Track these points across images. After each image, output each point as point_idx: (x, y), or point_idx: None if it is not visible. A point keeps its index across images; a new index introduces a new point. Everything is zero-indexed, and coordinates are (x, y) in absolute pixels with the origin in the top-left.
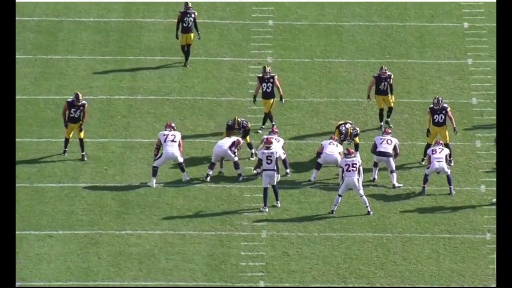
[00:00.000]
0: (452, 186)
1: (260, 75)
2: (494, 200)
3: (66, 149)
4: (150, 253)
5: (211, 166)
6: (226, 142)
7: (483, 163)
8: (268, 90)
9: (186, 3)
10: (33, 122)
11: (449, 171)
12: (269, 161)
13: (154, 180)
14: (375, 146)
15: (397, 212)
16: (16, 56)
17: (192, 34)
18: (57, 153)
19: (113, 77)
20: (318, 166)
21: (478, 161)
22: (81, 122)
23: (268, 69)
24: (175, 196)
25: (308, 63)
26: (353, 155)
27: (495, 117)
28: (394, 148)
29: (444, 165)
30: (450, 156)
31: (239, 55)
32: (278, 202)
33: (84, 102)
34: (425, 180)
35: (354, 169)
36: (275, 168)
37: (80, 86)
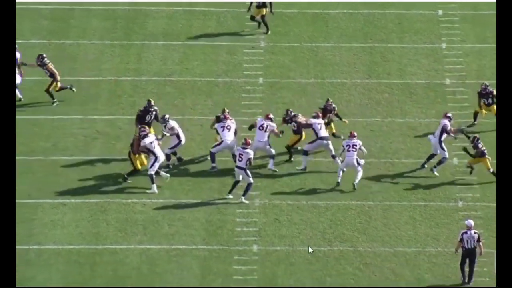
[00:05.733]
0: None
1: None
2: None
3: None
4: (154, 220)
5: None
6: (231, 138)
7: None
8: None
9: None
10: (47, 101)
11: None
12: (240, 159)
13: (155, 186)
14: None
15: (377, 182)
16: (32, 41)
17: (264, 9)
18: (70, 129)
19: (120, 60)
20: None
21: (450, 138)
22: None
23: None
24: (177, 169)
25: (297, 47)
26: (355, 138)
27: (467, 96)
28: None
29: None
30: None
31: (235, 40)
32: (243, 198)
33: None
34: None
35: (354, 150)
36: (245, 167)
37: (90, 69)
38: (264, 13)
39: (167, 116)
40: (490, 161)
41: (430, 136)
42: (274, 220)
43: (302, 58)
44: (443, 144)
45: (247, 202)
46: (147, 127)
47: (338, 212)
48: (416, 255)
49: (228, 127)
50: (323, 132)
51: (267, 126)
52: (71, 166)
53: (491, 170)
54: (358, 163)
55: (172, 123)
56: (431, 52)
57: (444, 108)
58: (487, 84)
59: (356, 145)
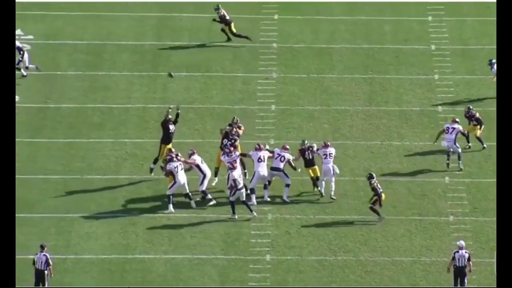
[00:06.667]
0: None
1: None
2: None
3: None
4: (178, 232)
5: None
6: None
7: (445, 160)
8: None
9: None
10: (83, 126)
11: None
12: (239, 183)
13: (171, 206)
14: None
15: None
16: (68, 73)
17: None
18: (103, 151)
19: (147, 90)
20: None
21: (442, 159)
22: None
23: None
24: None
25: (305, 78)
26: (329, 147)
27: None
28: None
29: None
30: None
31: (249, 72)
32: (254, 212)
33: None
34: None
35: (331, 158)
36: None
37: (121, 97)
38: (230, 28)
39: (191, 151)
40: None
41: (445, 143)
42: (285, 232)
43: (309, 88)
44: (457, 143)
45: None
46: (173, 152)
47: (342, 226)
48: (412, 264)
49: (235, 164)
50: (261, 167)
51: (283, 156)
52: (104, 184)
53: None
54: (333, 173)
55: (196, 158)
56: (425, 82)
57: (436, 132)
58: (470, 107)
59: (332, 153)
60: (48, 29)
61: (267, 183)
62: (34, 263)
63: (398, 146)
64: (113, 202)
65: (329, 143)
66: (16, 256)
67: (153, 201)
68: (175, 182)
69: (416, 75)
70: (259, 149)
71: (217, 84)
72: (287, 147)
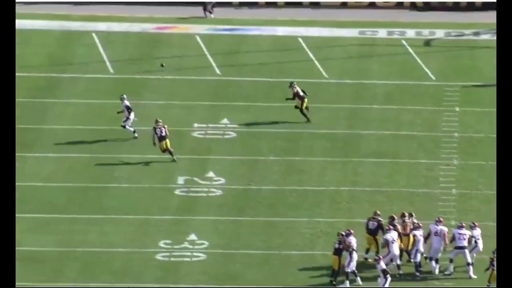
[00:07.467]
0: None
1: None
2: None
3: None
4: None
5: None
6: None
7: None
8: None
9: None
10: (280, 206)
11: None
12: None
13: (347, 282)
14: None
15: None
16: (269, 158)
17: (302, 101)
18: (299, 229)
19: (339, 174)
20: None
21: None
22: None
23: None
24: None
25: (484, 164)
26: (464, 228)
27: None
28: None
29: None
30: None
31: (432, 159)
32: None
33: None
34: None
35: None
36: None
37: (315, 180)
38: (303, 105)
39: (348, 231)
40: None
41: None
42: None
43: (488, 174)
44: None
45: None
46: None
47: None
48: None
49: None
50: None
51: (464, 234)
52: (300, 259)
53: None
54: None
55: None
56: None
57: None
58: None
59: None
60: (250, 119)
61: (450, 261)
62: None
63: None
64: (309, 276)
65: (464, 224)
66: None
67: (344, 276)
68: (351, 258)
69: None
70: (439, 221)
71: (402, 169)
72: (463, 224)
